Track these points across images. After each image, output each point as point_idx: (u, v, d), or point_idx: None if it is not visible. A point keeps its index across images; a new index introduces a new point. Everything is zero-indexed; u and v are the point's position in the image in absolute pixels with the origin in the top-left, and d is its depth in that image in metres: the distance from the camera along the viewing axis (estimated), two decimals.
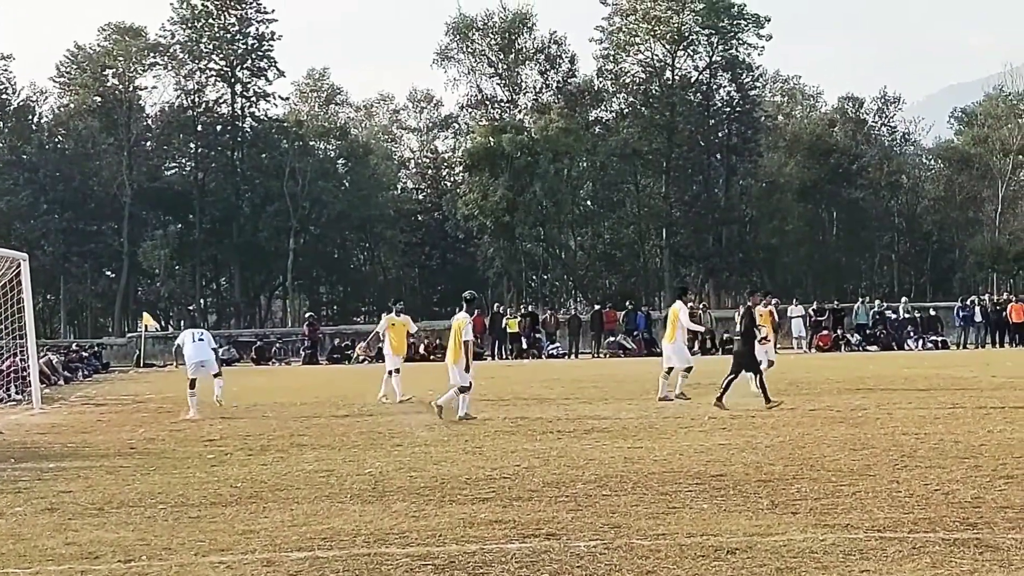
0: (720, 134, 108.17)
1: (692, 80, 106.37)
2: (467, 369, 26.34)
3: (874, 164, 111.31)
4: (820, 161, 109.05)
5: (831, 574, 10.45)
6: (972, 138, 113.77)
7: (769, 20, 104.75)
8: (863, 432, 21.37)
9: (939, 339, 68.38)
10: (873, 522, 12.61)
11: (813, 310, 70.57)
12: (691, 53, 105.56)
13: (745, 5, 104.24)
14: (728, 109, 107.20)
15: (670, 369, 30.81)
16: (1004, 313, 68.76)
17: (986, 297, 74.29)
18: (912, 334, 68.84)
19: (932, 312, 72.93)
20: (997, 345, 67.85)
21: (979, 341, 69.16)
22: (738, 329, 29.03)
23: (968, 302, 70.91)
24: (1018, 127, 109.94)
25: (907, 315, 70.87)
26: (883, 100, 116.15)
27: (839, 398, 29.37)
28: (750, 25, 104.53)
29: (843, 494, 14.46)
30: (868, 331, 68.71)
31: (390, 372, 33.26)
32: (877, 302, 73.03)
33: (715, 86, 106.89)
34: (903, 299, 76.31)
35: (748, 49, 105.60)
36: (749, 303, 29.33)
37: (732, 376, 27.91)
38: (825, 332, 68.19)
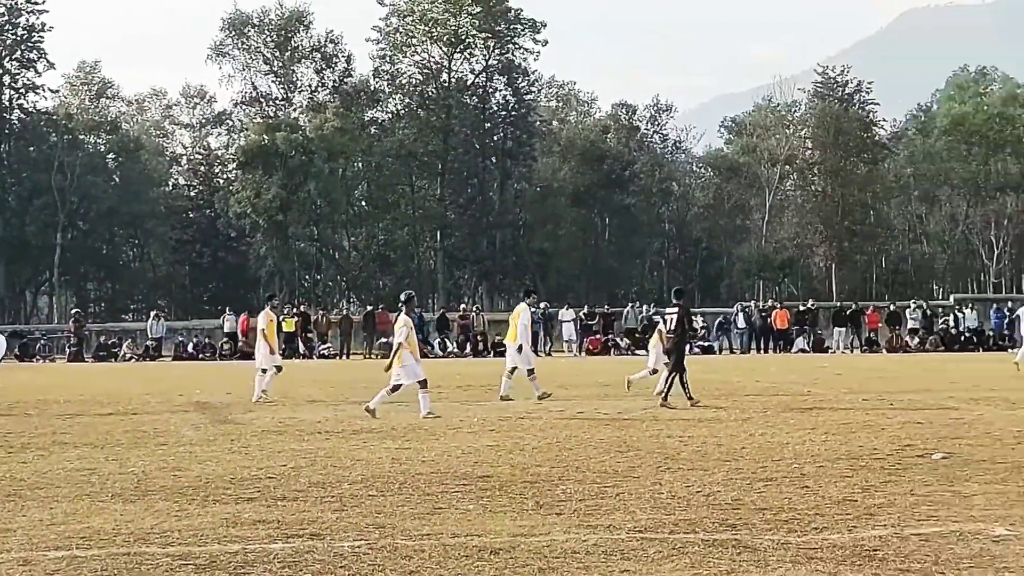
0: (495, 138, 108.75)
1: (468, 83, 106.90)
2: (388, 368, 26.03)
3: (646, 171, 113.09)
4: (593, 167, 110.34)
5: (592, 574, 10.53)
6: (741, 147, 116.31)
7: (545, 25, 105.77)
8: (629, 435, 21.63)
9: (706, 344, 69.61)
10: (635, 523, 12.76)
11: (584, 314, 71.30)
12: (468, 56, 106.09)
13: (522, 10, 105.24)
14: (504, 113, 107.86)
15: (513, 369, 31.14)
16: (769, 320, 70.32)
17: (751, 304, 75.91)
18: None
19: (700, 318, 74.18)
20: (762, 351, 69.32)
21: (743, 346, 70.58)
22: (671, 327, 29.18)
23: (735, 308, 72.52)
24: (785, 137, 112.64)
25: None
26: (656, 108, 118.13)
27: (606, 401, 29.68)
28: (526, 30, 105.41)
29: (607, 495, 14.60)
30: (637, 335, 69.71)
31: (264, 370, 32.35)
32: (646, 307, 74.13)
33: (491, 89, 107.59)
34: (651, 303, 77.55)
35: (524, 54, 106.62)
36: (682, 302, 29.60)
37: (673, 375, 28.30)
38: (596, 336, 68.98)
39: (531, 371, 31.01)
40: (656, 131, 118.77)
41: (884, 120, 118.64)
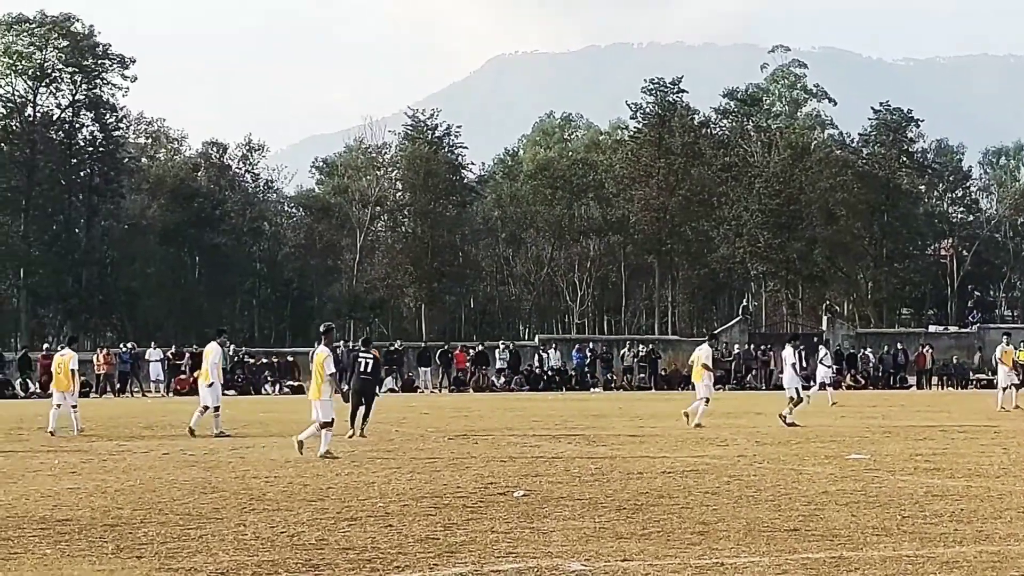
0: (83, 174, 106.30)
1: (55, 118, 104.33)
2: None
3: (237, 210, 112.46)
4: (183, 205, 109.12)
5: None
6: (332, 188, 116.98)
7: (135, 61, 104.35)
8: (214, 476, 21.45)
9: (295, 383, 69.36)
10: (217, 565, 12.67)
11: (172, 354, 70.33)
12: (54, 91, 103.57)
13: (110, 45, 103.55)
14: (91, 149, 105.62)
15: (206, 408, 31.64)
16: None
17: (341, 344, 76.13)
18: (269, 379, 69.82)
19: (290, 359, 73.95)
20: None
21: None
22: (363, 369, 31.07)
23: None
24: (376, 179, 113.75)
25: (266, 360, 71.87)
26: (247, 147, 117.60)
27: (193, 441, 29.37)
28: (115, 65, 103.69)
29: (190, 538, 14.46)
30: (228, 375, 69.08)
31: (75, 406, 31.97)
32: (233, 347, 73.36)
33: (78, 125, 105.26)
34: (232, 346, 75.84)
35: (113, 89, 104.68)
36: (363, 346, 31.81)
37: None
38: (184, 375, 68.01)
39: (217, 408, 31.57)
40: (248, 170, 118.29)
41: (472, 163, 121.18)
